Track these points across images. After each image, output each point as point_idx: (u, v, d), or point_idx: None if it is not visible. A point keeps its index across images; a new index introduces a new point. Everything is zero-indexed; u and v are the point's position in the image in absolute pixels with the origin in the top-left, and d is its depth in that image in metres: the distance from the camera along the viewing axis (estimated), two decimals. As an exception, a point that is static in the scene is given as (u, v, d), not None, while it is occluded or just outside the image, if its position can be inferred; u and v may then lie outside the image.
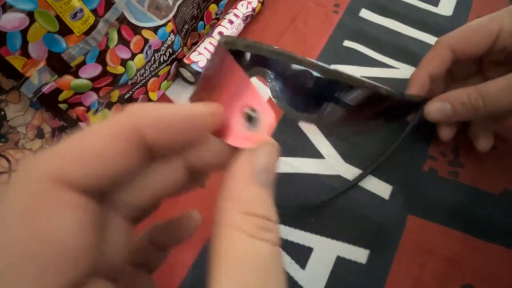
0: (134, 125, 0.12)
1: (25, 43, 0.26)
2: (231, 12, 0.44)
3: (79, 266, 0.10)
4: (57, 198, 0.10)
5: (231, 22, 0.43)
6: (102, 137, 0.12)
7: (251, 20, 0.46)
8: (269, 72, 0.23)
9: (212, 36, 0.42)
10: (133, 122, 0.12)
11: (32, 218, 0.10)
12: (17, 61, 0.27)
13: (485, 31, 0.30)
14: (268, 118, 0.14)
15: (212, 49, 0.41)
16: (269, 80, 0.24)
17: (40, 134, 0.33)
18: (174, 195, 0.15)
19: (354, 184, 0.34)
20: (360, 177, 0.34)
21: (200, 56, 0.40)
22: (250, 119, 0.15)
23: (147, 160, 0.13)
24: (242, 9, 0.44)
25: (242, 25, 0.44)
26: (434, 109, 0.32)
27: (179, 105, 0.13)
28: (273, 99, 0.25)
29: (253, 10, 0.45)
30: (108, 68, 0.33)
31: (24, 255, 0.10)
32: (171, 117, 0.13)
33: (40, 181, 0.11)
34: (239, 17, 0.44)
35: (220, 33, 0.42)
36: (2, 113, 0.30)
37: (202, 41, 0.42)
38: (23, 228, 0.10)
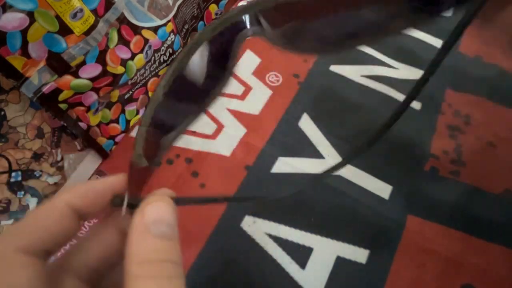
0: (64, 201, 0.16)
1: (25, 43, 0.26)
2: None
3: None
4: (13, 260, 0.14)
5: None
6: (43, 215, 0.16)
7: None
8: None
9: None
10: (63, 199, 0.16)
11: None
12: (17, 61, 0.27)
13: None
14: None
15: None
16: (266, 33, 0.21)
17: (40, 134, 0.33)
18: (115, 259, 0.18)
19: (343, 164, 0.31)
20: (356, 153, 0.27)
21: None
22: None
23: (78, 223, 0.16)
24: None
25: None
26: None
27: (97, 181, 0.17)
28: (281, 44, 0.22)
29: None
30: (108, 68, 0.33)
31: None
32: (92, 189, 0.17)
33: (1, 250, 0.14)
34: None
35: None
36: (2, 113, 0.30)
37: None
38: None
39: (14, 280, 0.14)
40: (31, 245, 0.15)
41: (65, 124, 0.33)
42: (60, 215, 0.16)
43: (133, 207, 0.16)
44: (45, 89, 0.29)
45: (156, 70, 0.39)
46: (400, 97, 0.41)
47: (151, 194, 0.16)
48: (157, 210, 0.15)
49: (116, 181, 0.17)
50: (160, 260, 0.14)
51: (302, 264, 0.31)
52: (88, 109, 0.34)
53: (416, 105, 0.40)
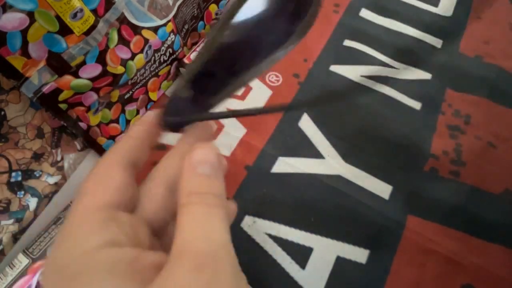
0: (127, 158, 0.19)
1: (25, 43, 0.26)
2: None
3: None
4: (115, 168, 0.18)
5: None
6: (136, 137, 0.20)
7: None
8: None
9: None
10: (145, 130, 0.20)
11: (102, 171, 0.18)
12: (17, 61, 0.27)
13: None
14: None
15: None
16: None
17: (40, 134, 0.33)
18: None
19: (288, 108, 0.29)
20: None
21: None
22: None
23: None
24: None
25: None
26: None
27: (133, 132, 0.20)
28: None
29: None
30: (108, 68, 0.33)
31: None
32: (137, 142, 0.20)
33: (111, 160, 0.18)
34: None
35: None
36: (2, 113, 0.30)
37: (202, 41, 0.42)
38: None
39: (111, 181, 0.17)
40: (127, 156, 0.18)
41: (65, 124, 0.33)
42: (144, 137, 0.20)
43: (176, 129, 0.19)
44: (45, 89, 0.29)
45: (156, 70, 0.39)
46: (401, 97, 0.41)
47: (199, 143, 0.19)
48: (202, 153, 0.17)
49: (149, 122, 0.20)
50: (203, 192, 0.16)
51: (302, 264, 0.31)
52: (88, 109, 0.34)
53: (416, 105, 0.40)
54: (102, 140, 0.37)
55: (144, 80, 0.38)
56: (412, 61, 0.43)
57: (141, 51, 0.35)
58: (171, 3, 0.37)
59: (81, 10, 0.28)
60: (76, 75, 0.31)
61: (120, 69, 0.34)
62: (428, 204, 0.34)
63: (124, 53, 0.34)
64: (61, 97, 0.31)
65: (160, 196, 0.19)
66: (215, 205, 0.16)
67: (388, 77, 0.42)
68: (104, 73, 0.33)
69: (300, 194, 0.35)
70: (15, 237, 0.33)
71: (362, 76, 0.42)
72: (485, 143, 0.38)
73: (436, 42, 0.45)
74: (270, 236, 0.33)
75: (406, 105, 0.40)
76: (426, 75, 0.42)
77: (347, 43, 0.45)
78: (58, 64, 0.29)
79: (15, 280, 0.30)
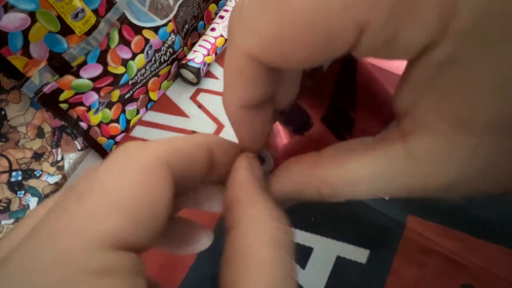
0: (207, 143, 0.16)
1: (26, 43, 0.26)
2: (222, 8, 0.44)
3: (155, 237, 0.12)
4: (162, 175, 0.13)
5: (221, 17, 0.43)
6: (191, 142, 0.15)
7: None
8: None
9: (206, 34, 0.42)
10: (206, 141, 0.16)
11: (144, 185, 0.12)
12: (18, 61, 0.27)
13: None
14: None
15: (206, 46, 0.41)
16: None
17: (40, 134, 0.33)
18: None
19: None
20: None
21: (196, 54, 0.41)
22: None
23: (207, 167, 0.16)
24: (232, 3, 0.44)
25: None
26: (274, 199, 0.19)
27: (234, 143, 0.18)
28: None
29: None
30: (109, 68, 0.33)
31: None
32: (227, 145, 0.17)
33: (153, 158, 0.13)
34: (229, 11, 0.44)
35: (213, 30, 0.42)
36: (3, 112, 0.30)
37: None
38: (137, 187, 0.12)
39: (160, 196, 0.12)
40: (175, 167, 0.13)
41: (65, 124, 0.33)
42: (201, 151, 0.15)
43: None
44: (46, 89, 0.29)
45: (157, 70, 0.39)
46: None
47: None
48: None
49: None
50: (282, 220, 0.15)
51: (302, 264, 0.31)
52: (89, 109, 0.34)
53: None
54: (102, 140, 0.37)
55: (145, 80, 0.38)
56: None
57: (142, 51, 0.35)
58: (171, 3, 0.37)
59: (82, 10, 0.28)
60: (77, 75, 0.31)
61: (120, 69, 0.34)
62: (428, 204, 0.34)
63: (125, 53, 0.34)
64: (62, 97, 0.31)
65: None
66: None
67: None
68: (105, 73, 0.33)
69: (300, 194, 0.35)
70: (16, 237, 0.33)
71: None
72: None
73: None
74: (271, 236, 0.33)
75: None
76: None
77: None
78: (59, 64, 0.29)
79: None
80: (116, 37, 0.32)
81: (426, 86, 0.12)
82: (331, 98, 0.19)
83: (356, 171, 0.14)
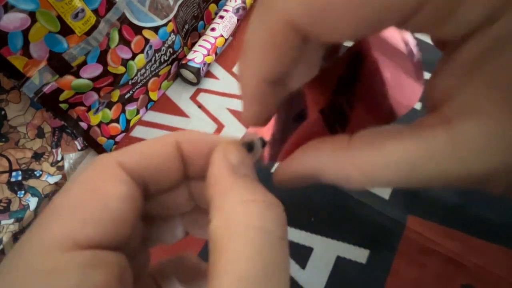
0: (175, 139, 0.16)
1: (26, 43, 0.26)
2: (222, 8, 0.44)
3: (120, 232, 0.13)
4: (113, 172, 0.14)
5: (221, 17, 0.43)
6: (151, 143, 0.16)
7: (245, 14, 0.46)
8: None
9: (206, 34, 0.42)
10: (175, 137, 0.16)
11: (90, 185, 0.13)
12: (18, 61, 0.27)
13: None
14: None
15: (206, 46, 0.41)
16: None
17: (40, 134, 0.33)
18: None
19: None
20: None
21: (196, 54, 0.41)
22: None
23: (179, 167, 0.16)
24: (231, 3, 0.44)
25: (235, 17, 0.44)
26: (286, 177, 0.18)
27: (211, 135, 0.17)
28: None
29: (244, 2, 0.45)
30: (109, 68, 0.33)
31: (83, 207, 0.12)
32: (202, 138, 0.16)
33: (105, 165, 0.14)
34: (229, 11, 0.44)
35: (213, 30, 0.42)
36: (3, 112, 0.30)
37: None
38: (83, 188, 0.13)
39: (109, 191, 0.13)
40: (131, 165, 0.14)
41: (65, 124, 0.33)
42: (166, 148, 0.15)
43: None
44: (46, 89, 0.29)
45: (157, 70, 0.39)
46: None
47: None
48: (238, 151, 0.15)
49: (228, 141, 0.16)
50: (259, 199, 0.14)
51: (302, 264, 0.31)
52: (89, 109, 0.34)
53: (416, 105, 0.40)
54: (102, 140, 0.37)
55: (145, 80, 0.38)
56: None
57: (142, 51, 0.35)
58: (171, 3, 0.37)
59: (82, 10, 0.28)
60: (77, 75, 0.31)
61: (121, 69, 0.34)
62: (428, 204, 0.34)
63: (125, 53, 0.34)
64: (62, 97, 0.31)
65: None
66: (265, 202, 0.13)
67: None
68: (105, 73, 0.33)
69: (300, 194, 0.35)
70: (16, 237, 0.33)
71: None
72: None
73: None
74: (271, 236, 0.33)
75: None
76: (426, 75, 0.42)
77: (347, 43, 0.45)
78: (59, 64, 0.29)
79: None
80: (116, 37, 0.32)
81: (475, 67, 0.11)
82: (332, 93, 0.19)
83: (394, 154, 0.13)
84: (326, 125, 0.19)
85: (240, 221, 0.12)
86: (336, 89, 0.19)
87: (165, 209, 0.17)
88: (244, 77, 0.15)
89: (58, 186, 0.35)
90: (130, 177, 0.14)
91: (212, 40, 0.42)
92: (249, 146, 0.16)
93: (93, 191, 0.13)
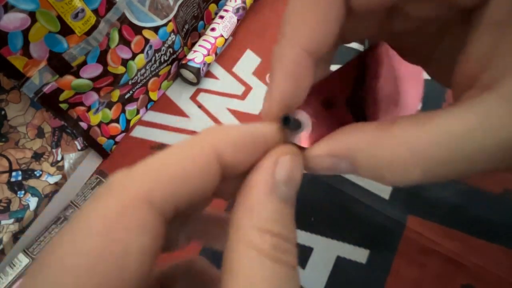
0: (214, 147, 0.12)
1: (26, 43, 0.26)
2: (222, 8, 0.44)
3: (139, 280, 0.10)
4: (137, 220, 0.11)
5: (221, 17, 0.43)
6: (185, 159, 0.12)
7: (246, 15, 0.46)
8: None
9: (206, 34, 0.42)
10: (212, 144, 0.12)
11: (110, 237, 0.10)
12: (18, 61, 0.27)
13: None
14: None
15: (206, 46, 0.41)
16: None
17: (40, 134, 0.33)
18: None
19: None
20: None
21: (196, 54, 0.41)
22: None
23: (219, 180, 0.13)
24: (231, 3, 0.44)
25: (235, 17, 0.44)
26: (320, 166, 0.15)
27: (249, 126, 0.13)
28: None
29: (244, 2, 0.45)
30: (109, 68, 0.33)
31: (92, 264, 0.10)
32: (246, 138, 0.13)
33: (129, 199, 0.11)
34: (229, 11, 0.44)
35: (213, 30, 0.42)
36: (3, 112, 0.30)
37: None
38: (100, 242, 0.10)
39: (129, 246, 0.10)
40: (162, 199, 0.11)
41: (65, 124, 0.33)
42: (204, 164, 0.12)
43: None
44: (46, 89, 0.29)
45: (157, 70, 0.39)
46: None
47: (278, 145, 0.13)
48: (291, 169, 0.12)
49: (270, 130, 0.14)
50: (280, 234, 0.12)
51: (302, 264, 0.31)
52: (89, 109, 0.34)
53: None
54: (102, 140, 0.37)
55: (145, 80, 0.38)
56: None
57: (142, 51, 0.35)
58: (171, 3, 0.37)
59: (82, 10, 0.28)
60: (77, 75, 0.31)
61: (121, 69, 0.34)
62: (428, 204, 0.34)
63: (125, 53, 0.34)
64: (62, 97, 0.31)
65: None
66: (291, 266, 0.12)
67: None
68: (105, 73, 0.33)
69: (300, 194, 0.35)
70: (16, 237, 0.33)
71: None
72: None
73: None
74: (271, 236, 0.33)
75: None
76: (426, 75, 0.42)
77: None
78: (59, 64, 0.29)
79: (15, 280, 0.30)
80: (116, 37, 0.32)
81: (505, 27, 0.11)
82: (354, 84, 0.18)
83: (445, 126, 0.11)
84: (352, 115, 0.18)
85: (254, 247, 0.11)
86: (356, 82, 0.18)
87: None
88: (283, 45, 0.13)
89: (58, 186, 0.35)
90: (159, 213, 0.11)
91: (212, 40, 0.42)
92: (296, 124, 0.14)
93: (109, 243, 0.10)
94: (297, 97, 0.14)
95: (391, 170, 0.12)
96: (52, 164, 0.35)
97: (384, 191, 0.35)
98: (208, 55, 0.41)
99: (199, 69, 0.40)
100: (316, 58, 0.13)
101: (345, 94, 0.18)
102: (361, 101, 0.18)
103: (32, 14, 0.26)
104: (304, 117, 0.15)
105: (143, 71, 0.37)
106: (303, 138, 0.15)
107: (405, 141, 0.12)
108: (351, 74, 0.18)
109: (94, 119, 0.36)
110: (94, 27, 0.29)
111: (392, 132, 0.12)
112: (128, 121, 0.39)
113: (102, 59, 0.32)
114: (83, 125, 0.35)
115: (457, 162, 0.11)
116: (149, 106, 0.41)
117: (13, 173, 0.32)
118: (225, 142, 0.12)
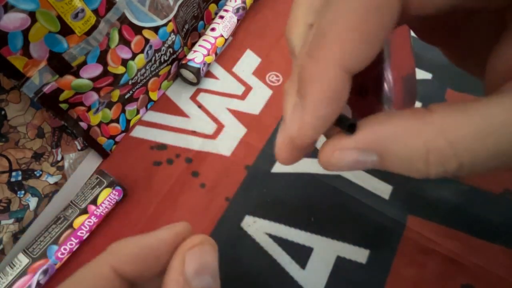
0: (112, 268, 0.13)
1: (26, 43, 0.26)
2: (222, 8, 0.44)
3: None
4: None
5: (221, 17, 0.43)
6: (88, 281, 0.13)
7: (246, 15, 0.46)
8: None
9: (206, 34, 0.42)
10: (111, 266, 0.13)
11: None
12: (18, 61, 0.27)
13: None
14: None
15: (206, 46, 0.41)
16: None
17: (40, 134, 0.33)
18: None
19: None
20: None
21: (196, 54, 0.41)
22: None
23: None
24: (231, 3, 0.44)
25: (235, 17, 0.44)
26: (344, 161, 0.14)
27: (150, 237, 0.14)
28: None
29: (244, 2, 0.45)
30: (109, 68, 0.33)
31: None
32: (144, 250, 0.14)
33: None
34: (229, 11, 0.44)
35: (213, 30, 0.42)
36: (3, 112, 0.30)
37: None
38: None
39: None
40: None
41: (65, 124, 0.33)
42: (106, 283, 0.13)
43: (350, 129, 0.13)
44: (46, 89, 0.29)
45: (157, 70, 0.39)
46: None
47: (192, 236, 0.14)
48: (199, 261, 0.13)
49: (173, 234, 0.14)
50: None
51: (302, 264, 0.31)
52: (89, 109, 0.34)
53: (416, 104, 0.40)
54: (102, 140, 0.37)
55: (145, 80, 0.38)
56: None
57: (142, 51, 0.35)
58: (171, 3, 0.37)
59: (82, 10, 0.28)
60: (77, 75, 0.31)
61: (121, 69, 0.34)
62: (428, 204, 0.34)
63: (125, 53, 0.34)
64: (62, 97, 0.31)
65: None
66: None
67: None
68: (105, 73, 0.33)
69: (300, 194, 0.35)
70: (15, 237, 0.33)
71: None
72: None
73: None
74: (270, 236, 0.33)
75: (406, 105, 0.40)
76: (427, 75, 0.42)
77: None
78: (59, 64, 0.29)
79: (15, 280, 0.30)
80: (116, 37, 0.32)
81: None
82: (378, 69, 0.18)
83: (489, 115, 0.10)
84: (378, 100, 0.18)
85: None
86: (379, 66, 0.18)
87: None
88: (319, 64, 0.11)
89: (58, 186, 0.35)
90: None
91: (212, 40, 0.42)
92: (352, 127, 0.13)
93: None
94: (333, 119, 0.13)
95: (427, 161, 0.12)
96: (52, 164, 0.35)
97: (384, 191, 0.35)
98: (208, 55, 0.41)
99: (199, 69, 0.40)
100: (355, 72, 0.12)
101: (374, 81, 0.17)
102: (381, 85, 0.17)
103: (32, 14, 0.26)
104: (346, 109, 0.14)
105: (143, 71, 0.37)
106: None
107: (444, 129, 0.11)
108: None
109: (94, 119, 0.36)
110: (94, 27, 0.29)
111: (431, 121, 0.11)
112: (128, 121, 0.39)
113: (102, 59, 0.32)
114: (83, 125, 0.35)
115: (500, 152, 0.10)
116: (149, 106, 0.41)
117: (13, 173, 0.32)
118: (123, 261, 0.13)
